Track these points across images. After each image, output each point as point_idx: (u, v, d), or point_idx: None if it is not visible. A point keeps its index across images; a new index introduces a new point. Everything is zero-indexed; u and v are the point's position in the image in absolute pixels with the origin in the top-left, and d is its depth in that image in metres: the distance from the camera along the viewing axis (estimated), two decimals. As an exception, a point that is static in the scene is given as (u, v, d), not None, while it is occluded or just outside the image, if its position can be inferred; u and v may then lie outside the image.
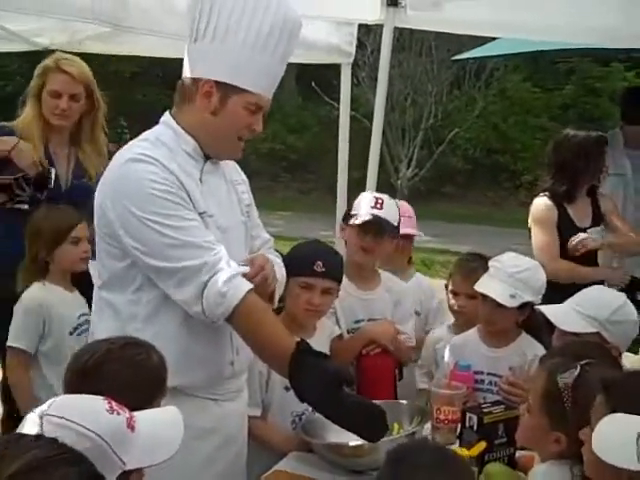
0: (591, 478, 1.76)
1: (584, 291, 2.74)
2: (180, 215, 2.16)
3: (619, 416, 1.61)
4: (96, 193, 2.27)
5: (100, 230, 2.26)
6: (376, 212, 3.09)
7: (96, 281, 2.36)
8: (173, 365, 2.03)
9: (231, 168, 2.49)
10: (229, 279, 2.13)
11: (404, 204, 3.59)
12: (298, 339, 2.22)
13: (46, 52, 4.82)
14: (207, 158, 2.33)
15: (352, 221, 3.12)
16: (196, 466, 2.21)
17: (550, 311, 2.70)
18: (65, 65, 3.49)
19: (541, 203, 4.05)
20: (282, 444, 2.72)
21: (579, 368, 1.92)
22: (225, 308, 2.14)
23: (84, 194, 3.17)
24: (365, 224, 3.08)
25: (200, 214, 2.24)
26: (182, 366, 2.12)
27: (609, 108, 15.23)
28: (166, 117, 2.33)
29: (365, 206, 3.14)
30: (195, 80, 2.24)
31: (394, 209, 3.17)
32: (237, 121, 2.26)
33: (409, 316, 3.28)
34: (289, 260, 2.77)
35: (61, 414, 1.51)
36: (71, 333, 3.21)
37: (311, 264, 2.76)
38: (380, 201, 3.13)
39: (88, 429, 1.50)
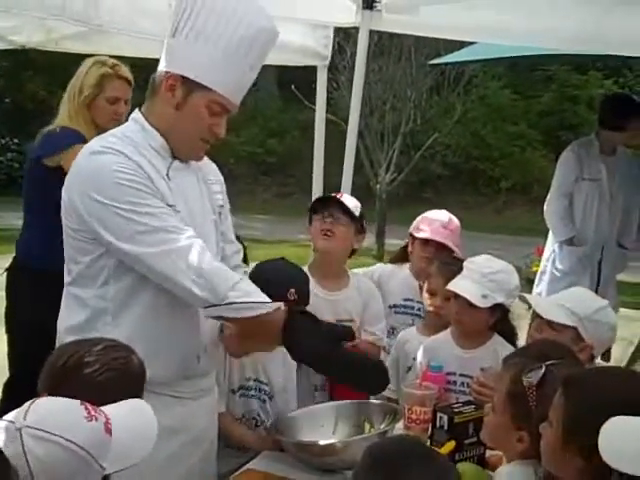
0: (550, 471, 1.78)
1: (570, 289, 2.84)
2: (147, 203, 2.16)
3: (623, 420, 1.57)
4: (63, 190, 2.26)
5: (67, 226, 2.26)
6: (334, 196, 3.19)
7: (66, 278, 2.35)
8: (142, 357, 2.01)
9: (207, 168, 2.49)
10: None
11: (454, 219, 3.60)
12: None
13: (23, 51, 4.83)
14: (175, 156, 2.32)
15: (313, 209, 3.17)
16: (159, 465, 2.17)
17: (533, 300, 2.77)
18: (122, 71, 3.65)
19: None
20: (254, 443, 2.72)
21: (544, 368, 1.93)
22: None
23: None
24: (322, 202, 3.17)
25: (169, 206, 2.23)
26: (150, 358, 2.09)
27: (587, 115, 15.38)
28: (135, 113, 2.34)
29: (323, 198, 3.27)
30: (163, 74, 2.25)
31: (354, 202, 3.19)
32: (198, 119, 2.25)
33: (380, 317, 3.27)
34: (259, 284, 2.51)
35: (41, 426, 1.49)
36: None
37: (284, 292, 2.64)
38: (340, 194, 3.24)
39: (70, 441, 1.49)
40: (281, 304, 2.24)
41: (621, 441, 1.55)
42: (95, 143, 2.26)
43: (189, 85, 2.22)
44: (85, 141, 3.38)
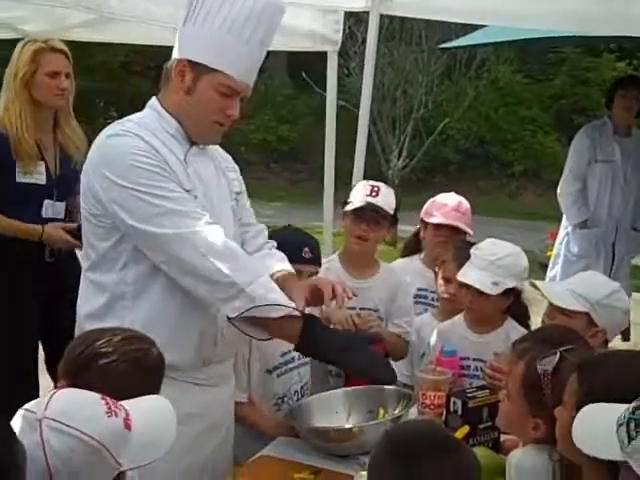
0: (564, 455, 1.77)
1: (581, 274, 2.82)
2: (163, 186, 2.18)
3: (596, 407, 1.60)
4: (82, 175, 2.28)
5: (86, 211, 2.27)
6: (370, 199, 3.12)
7: (83, 264, 2.37)
8: (160, 342, 2.01)
9: (222, 156, 2.51)
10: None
11: (464, 202, 3.58)
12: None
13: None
14: (192, 142, 2.33)
15: (347, 208, 3.15)
16: (179, 451, 2.17)
17: (544, 286, 2.74)
18: (56, 44, 3.47)
19: None
20: (270, 429, 2.73)
21: (558, 355, 1.92)
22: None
23: (73, 180, 3.18)
24: (359, 211, 3.11)
25: (187, 191, 2.24)
26: (168, 342, 2.09)
27: (600, 99, 15.25)
28: (152, 101, 2.36)
29: (360, 194, 3.17)
30: (173, 61, 2.28)
31: (391, 197, 3.17)
32: (209, 102, 2.26)
33: (407, 310, 3.26)
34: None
35: (61, 419, 1.50)
36: None
37: (299, 251, 2.81)
38: (376, 189, 3.16)
39: (89, 435, 1.49)
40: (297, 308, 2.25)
41: (591, 427, 1.57)
42: (112, 128, 2.28)
43: (197, 69, 2.24)
44: None
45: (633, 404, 1.46)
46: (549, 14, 3.77)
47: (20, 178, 3.42)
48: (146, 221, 2.16)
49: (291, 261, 2.77)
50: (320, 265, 2.94)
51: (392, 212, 3.16)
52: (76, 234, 3.25)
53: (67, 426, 1.49)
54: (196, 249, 2.14)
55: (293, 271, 2.52)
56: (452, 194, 3.63)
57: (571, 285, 2.69)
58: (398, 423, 2.39)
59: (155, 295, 2.25)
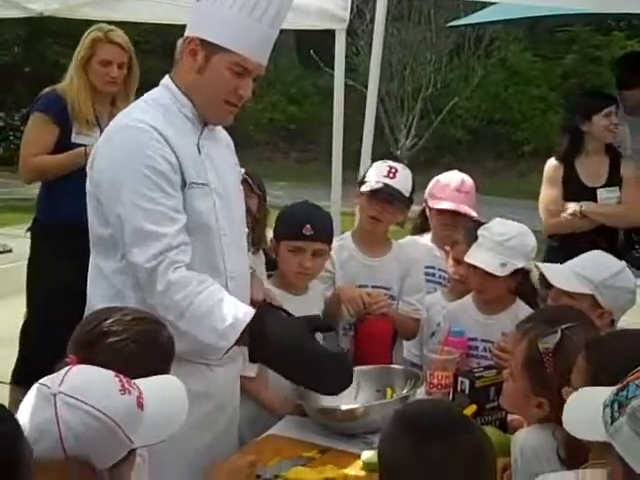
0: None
1: (585, 254, 2.74)
2: (151, 197, 2.16)
3: (584, 391, 1.61)
4: (90, 156, 2.29)
5: (92, 194, 2.27)
6: (387, 181, 3.07)
7: (91, 247, 2.36)
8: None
9: (220, 133, 2.48)
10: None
11: (467, 179, 3.54)
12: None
13: (41, 19, 4.82)
14: (205, 124, 2.33)
15: (363, 188, 3.11)
16: (188, 431, 2.18)
17: (547, 269, 2.70)
18: (114, 36, 3.85)
19: (548, 163, 4.24)
20: (276, 406, 2.74)
21: (560, 333, 1.92)
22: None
23: None
24: (374, 192, 3.07)
25: (193, 183, 2.24)
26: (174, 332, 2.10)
27: (610, 77, 15.13)
28: (165, 79, 2.34)
29: (377, 174, 3.12)
30: (185, 39, 2.26)
31: (408, 179, 3.13)
32: (221, 81, 2.24)
33: (419, 288, 3.24)
34: (279, 224, 2.88)
35: (75, 394, 1.51)
36: None
37: (300, 228, 2.77)
38: (394, 170, 3.11)
39: (102, 412, 1.51)
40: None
41: (580, 410, 1.57)
42: (125, 116, 2.27)
43: (209, 48, 2.22)
44: (49, 111, 3.82)
45: (617, 386, 1.46)
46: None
47: (75, 139, 3.80)
48: (119, 224, 2.17)
49: (289, 237, 2.80)
50: (330, 242, 2.90)
51: (408, 194, 3.11)
52: None
53: (81, 402, 1.50)
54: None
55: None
56: (455, 172, 3.60)
57: (575, 267, 2.64)
58: (408, 402, 2.39)
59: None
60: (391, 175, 3.09)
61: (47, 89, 3.94)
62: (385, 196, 3.06)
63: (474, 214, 3.44)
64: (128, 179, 2.16)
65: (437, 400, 2.46)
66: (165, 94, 2.30)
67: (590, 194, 4.12)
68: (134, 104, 2.34)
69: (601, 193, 4.10)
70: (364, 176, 3.21)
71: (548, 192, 4.19)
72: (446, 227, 3.43)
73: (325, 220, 2.90)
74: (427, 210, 3.58)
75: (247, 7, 2.18)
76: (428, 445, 1.50)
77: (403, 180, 3.10)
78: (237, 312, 2.17)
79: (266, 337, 2.16)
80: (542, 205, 4.21)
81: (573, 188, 4.14)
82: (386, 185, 3.06)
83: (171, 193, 2.19)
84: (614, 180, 4.14)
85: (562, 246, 4.04)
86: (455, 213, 3.43)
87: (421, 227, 3.68)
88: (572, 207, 4.08)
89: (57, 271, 3.72)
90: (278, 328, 2.19)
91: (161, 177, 2.18)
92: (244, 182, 2.71)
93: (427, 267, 3.52)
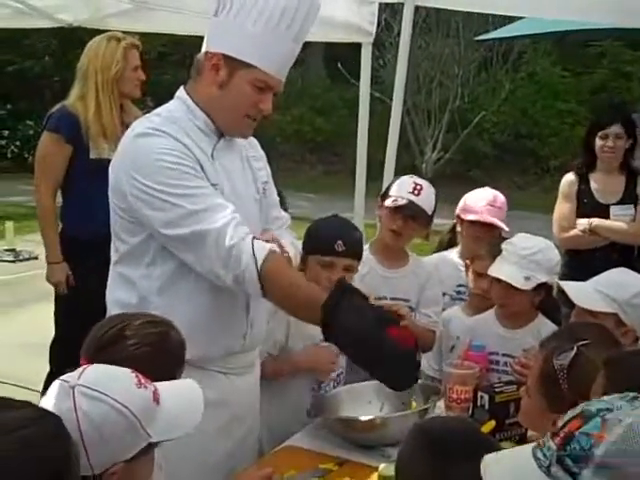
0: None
1: (608, 272, 2.71)
2: (187, 184, 2.16)
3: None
4: (110, 167, 2.29)
5: (115, 205, 2.27)
6: (412, 198, 3.08)
7: (112, 256, 2.38)
8: (185, 338, 2.03)
9: (249, 144, 2.48)
10: (246, 239, 2.13)
11: (499, 195, 3.54)
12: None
13: (71, 29, 4.89)
14: (221, 135, 2.33)
15: (387, 202, 3.12)
16: (205, 439, 2.20)
17: (570, 288, 2.67)
18: (134, 41, 3.91)
19: (565, 177, 4.28)
20: (288, 371, 2.74)
21: (575, 349, 1.90)
22: (250, 271, 2.11)
23: None
24: (398, 208, 3.08)
25: (212, 185, 2.24)
26: (194, 339, 2.11)
27: None
28: (180, 92, 2.34)
29: (403, 189, 3.12)
30: (207, 54, 2.25)
31: (431, 197, 3.14)
32: (243, 97, 2.24)
33: (436, 300, 3.25)
34: (310, 238, 2.85)
35: (93, 386, 1.54)
36: None
37: (332, 243, 2.76)
38: (419, 187, 3.11)
39: (120, 403, 1.53)
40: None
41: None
42: (140, 125, 2.27)
43: (232, 63, 2.21)
44: (60, 130, 3.81)
45: (552, 441, 1.27)
46: (590, 6, 3.71)
47: (93, 155, 3.82)
48: (170, 224, 2.15)
49: (320, 252, 2.79)
50: (360, 258, 2.86)
51: (430, 213, 3.12)
52: None
53: (99, 393, 1.53)
54: (216, 240, 2.13)
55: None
56: (487, 189, 3.61)
57: (599, 285, 2.61)
58: (428, 417, 2.38)
59: (182, 292, 2.25)
60: (416, 192, 3.09)
61: (57, 106, 3.92)
62: (408, 212, 3.07)
63: (506, 228, 3.43)
64: (149, 178, 2.15)
65: (460, 419, 2.42)
66: (179, 106, 2.30)
67: (603, 210, 4.13)
68: (148, 116, 2.33)
69: (614, 210, 4.10)
70: (388, 189, 3.21)
71: (561, 207, 4.23)
72: (477, 240, 3.42)
73: (356, 236, 2.88)
74: (458, 225, 3.58)
75: (272, 22, 2.17)
76: (450, 466, 1.48)
77: (427, 198, 3.11)
78: None
79: (346, 325, 2.06)
80: (555, 219, 4.25)
81: (586, 204, 4.15)
82: (410, 202, 3.07)
83: (198, 176, 2.20)
84: (630, 197, 4.12)
85: (577, 260, 4.08)
86: (486, 227, 3.42)
87: (449, 242, 3.67)
88: (582, 223, 4.09)
89: (84, 284, 3.75)
90: (357, 315, 2.07)
91: (192, 169, 2.19)
92: None
93: (459, 285, 3.51)
